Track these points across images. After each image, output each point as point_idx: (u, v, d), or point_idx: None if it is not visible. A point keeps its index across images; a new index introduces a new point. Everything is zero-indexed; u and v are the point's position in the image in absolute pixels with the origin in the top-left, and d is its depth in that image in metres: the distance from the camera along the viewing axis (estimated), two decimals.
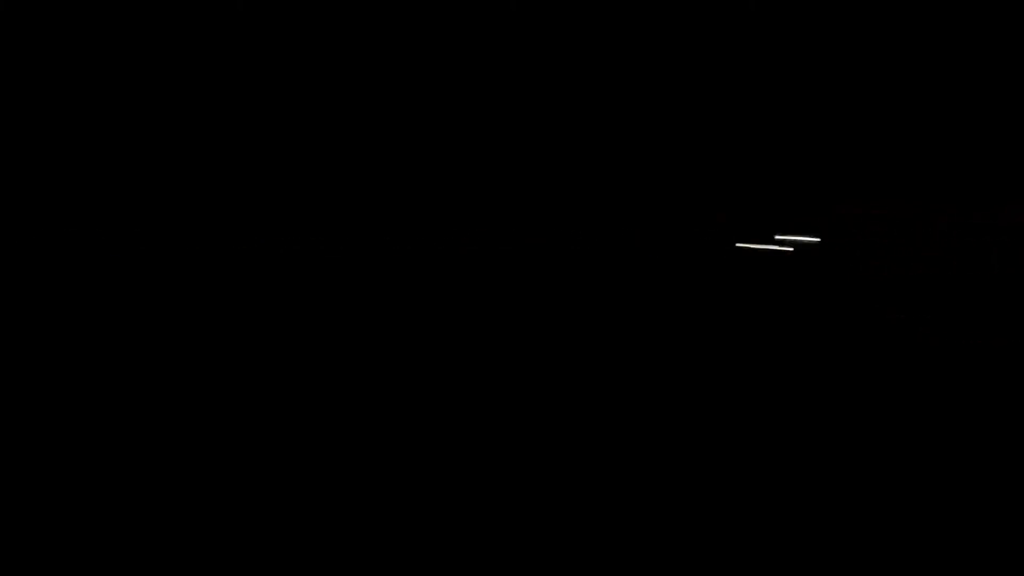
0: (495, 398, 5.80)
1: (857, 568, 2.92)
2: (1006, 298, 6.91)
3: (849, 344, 7.21)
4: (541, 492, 3.81)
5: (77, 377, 6.22)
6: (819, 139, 9.50)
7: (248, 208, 8.12)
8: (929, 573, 2.89)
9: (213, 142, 7.99)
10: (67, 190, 7.73)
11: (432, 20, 8.76)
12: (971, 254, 7.44)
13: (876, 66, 8.07)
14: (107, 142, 7.82)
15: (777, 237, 10.54)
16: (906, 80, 7.95)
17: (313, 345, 7.77)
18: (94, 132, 7.87)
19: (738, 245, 11.69)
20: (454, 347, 8.22)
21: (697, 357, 7.10)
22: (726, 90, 10.15)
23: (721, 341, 7.85)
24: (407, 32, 8.43)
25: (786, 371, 6.38)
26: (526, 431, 4.96)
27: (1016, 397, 5.13)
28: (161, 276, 7.44)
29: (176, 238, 7.88)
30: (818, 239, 9.53)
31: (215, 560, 3.19)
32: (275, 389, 6.25)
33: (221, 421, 5.06)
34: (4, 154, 7.59)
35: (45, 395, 5.79)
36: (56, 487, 4.03)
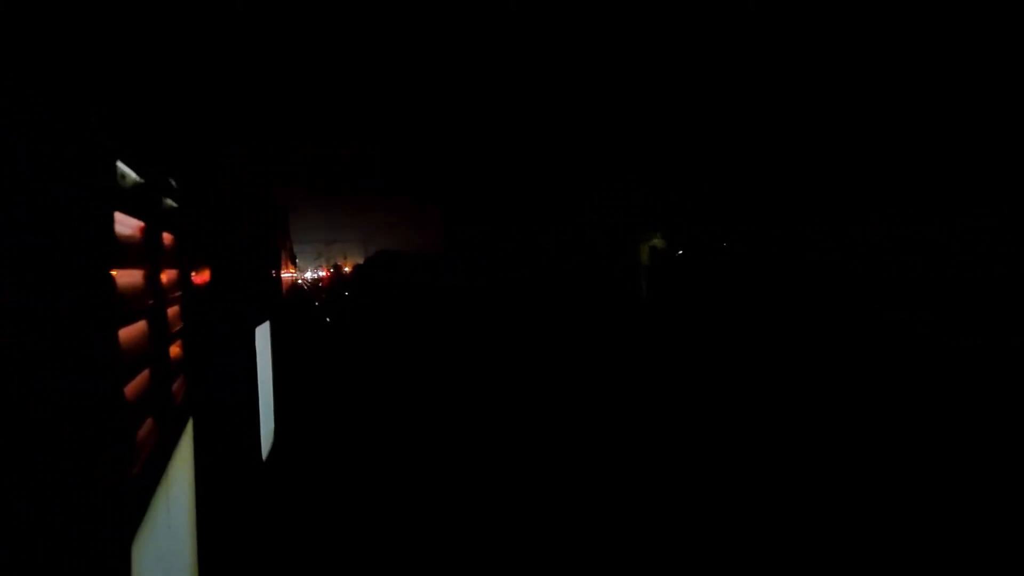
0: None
1: (856, 569, 2.92)
2: (1006, 298, 6.91)
3: (849, 344, 7.21)
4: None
5: None
6: (819, 139, 9.50)
7: None
8: (929, 573, 2.89)
9: None
10: None
11: None
12: (971, 254, 7.43)
13: (876, 66, 8.07)
14: None
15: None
16: (906, 80, 7.96)
17: None
18: None
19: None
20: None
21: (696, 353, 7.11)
22: (727, 90, 10.14)
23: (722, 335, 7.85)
24: None
25: (787, 370, 6.38)
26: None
27: (1016, 397, 5.13)
28: None
29: None
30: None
31: None
32: None
33: None
34: None
35: None
36: None
